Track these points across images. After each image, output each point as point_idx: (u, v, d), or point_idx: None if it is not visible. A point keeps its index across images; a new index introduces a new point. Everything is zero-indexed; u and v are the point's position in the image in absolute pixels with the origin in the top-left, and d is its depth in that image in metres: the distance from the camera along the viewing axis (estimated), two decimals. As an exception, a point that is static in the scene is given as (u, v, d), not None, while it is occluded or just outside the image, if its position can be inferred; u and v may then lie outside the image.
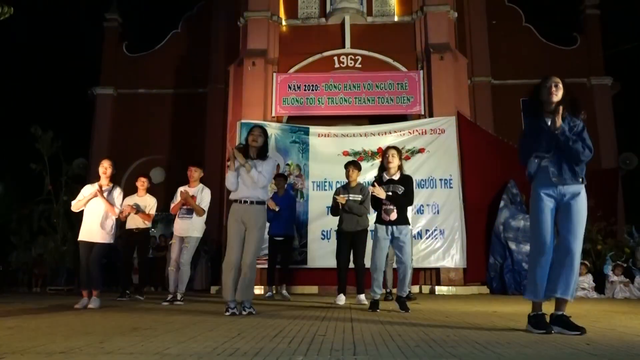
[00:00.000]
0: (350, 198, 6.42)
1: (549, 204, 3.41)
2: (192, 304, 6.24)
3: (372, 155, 9.94)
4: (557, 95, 3.52)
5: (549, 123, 3.42)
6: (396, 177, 5.22)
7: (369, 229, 6.48)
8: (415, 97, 10.61)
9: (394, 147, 5.37)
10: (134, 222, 7.58)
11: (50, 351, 2.42)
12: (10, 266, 13.21)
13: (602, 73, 13.97)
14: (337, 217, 6.65)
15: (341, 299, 6.21)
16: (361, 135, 10.27)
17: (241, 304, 4.56)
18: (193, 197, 6.46)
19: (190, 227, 6.42)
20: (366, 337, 2.98)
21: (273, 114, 10.77)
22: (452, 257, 9.55)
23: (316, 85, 10.79)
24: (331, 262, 8.27)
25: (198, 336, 2.98)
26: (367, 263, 6.55)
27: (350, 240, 6.44)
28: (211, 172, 12.74)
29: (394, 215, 5.07)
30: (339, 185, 7.51)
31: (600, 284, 8.84)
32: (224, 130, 11.72)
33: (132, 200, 7.50)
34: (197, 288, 11.05)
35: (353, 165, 6.72)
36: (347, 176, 6.62)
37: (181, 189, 6.60)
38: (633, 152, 14.22)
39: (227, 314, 4.47)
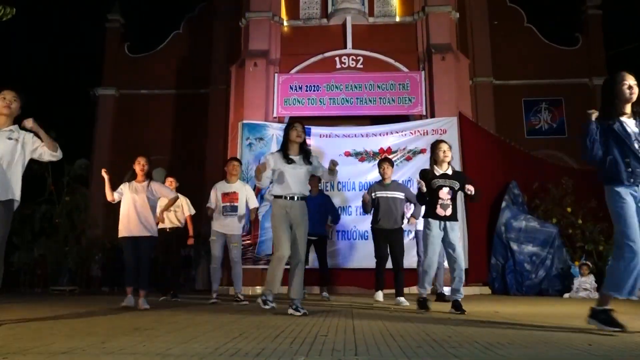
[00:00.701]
0: (390, 196, 6.38)
1: (632, 202, 3.27)
2: (193, 304, 6.24)
3: (374, 155, 9.94)
4: (636, 94, 3.34)
5: (631, 125, 3.30)
6: (449, 172, 5.12)
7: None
8: (416, 97, 10.61)
9: (444, 141, 5.24)
10: (168, 221, 7.48)
11: (52, 351, 2.42)
12: (12, 267, 13.21)
13: (603, 73, 13.90)
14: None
15: (379, 296, 6.26)
16: (363, 136, 10.27)
17: (293, 301, 4.55)
18: (235, 193, 6.41)
19: (235, 225, 6.41)
20: (368, 337, 2.98)
21: (274, 115, 10.78)
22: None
23: (318, 85, 10.79)
24: (331, 262, 8.29)
25: (200, 336, 2.98)
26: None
27: (387, 238, 6.39)
28: (212, 172, 12.77)
29: (449, 211, 4.98)
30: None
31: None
32: (225, 131, 11.73)
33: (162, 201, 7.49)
34: (198, 288, 11.06)
35: (387, 162, 6.65)
36: (382, 174, 6.54)
37: (219, 185, 6.57)
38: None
39: (267, 307, 4.52)
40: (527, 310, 5.15)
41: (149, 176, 5.83)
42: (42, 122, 4.14)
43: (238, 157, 10.27)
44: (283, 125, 10.52)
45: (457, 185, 5.05)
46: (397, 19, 11.47)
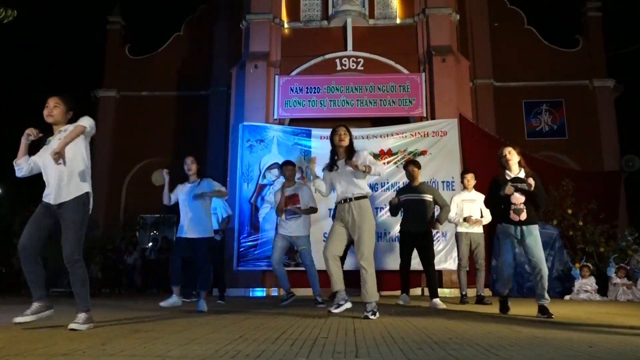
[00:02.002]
0: (418, 198, 6.28)
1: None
2: (193, 305, 6.23)
3: (375, 157, 9.93)
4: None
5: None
6: (521, 174, 5.00)
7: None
8: (417, 99, 10.61)
9: (509, 144, 5.17)
10: None
11: (52, 353, 2.42)
12: (13, 268, 13.21)
13: (604, 75, 13.95)
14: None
15: (405, 299, 6.25)
16: (363, 138, 10.25)
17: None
18: (295, 196, 6.29)
19: (298, 227, 6.29)
20: (368, 339, 2.98)
21: (275, 117, 10.79)
22: (454, 260, 9.51)
23: (318, 87, 10.80)
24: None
25: (200, 338, 2.98)
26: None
27: (414, 241, 6.31)
28: (213, 173, 12.77)
29: (524, 215, 4.85)
30: (403, 186, 7.35)
31: (603, 287, 8.82)
32: (226, 133, 11.74)
33: None
34: (198, 289, 11.03)
35: (413, 164, 6.54)
36: (410, 176, 6.46)
37: (277, 192, 6.50)
38: (636, 154, 14.18)
39: (341, 309, 4.60)
40: (528, 312, 5.14)
41: (200, 175, 5.88)
42: (42, 123, 4.13)
43: (238, 159, 10.29)
44: (284, 127, 10.58)
45: (527, 188, 4.86)
46: (398, 21, 11.48)
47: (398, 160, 10.02)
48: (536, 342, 2.86)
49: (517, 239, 4.90)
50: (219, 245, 7.58)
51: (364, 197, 4.63)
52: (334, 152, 4.82)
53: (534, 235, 4.84)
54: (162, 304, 5.42)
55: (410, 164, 6.58)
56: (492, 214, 5.86)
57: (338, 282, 4.64)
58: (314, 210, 6.34)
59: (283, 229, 6.29)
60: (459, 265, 7.11)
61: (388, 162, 9.88)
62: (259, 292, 9.81)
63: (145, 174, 11.82)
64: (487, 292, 9.45)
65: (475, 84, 13.64)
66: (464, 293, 7.01)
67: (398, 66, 10.99)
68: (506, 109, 13.75)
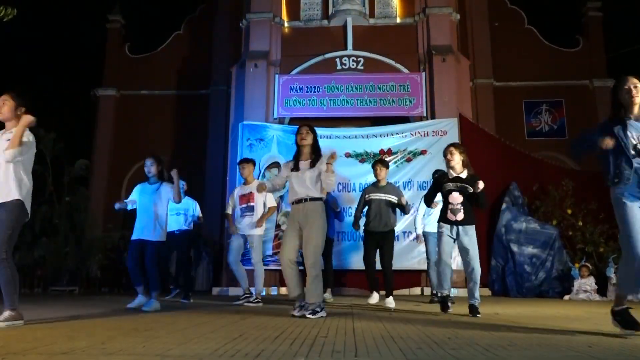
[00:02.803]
0: (384, 198, 6.31)
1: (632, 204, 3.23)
2: (193, 305, 6.23)
3: (374, 156, 9.94)
4: (637, 96, 3.33)
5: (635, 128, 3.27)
6: (463, 175, 5.07)
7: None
8: (417, 99, 10.61)
9: (453, 144, 5.24)
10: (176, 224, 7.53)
11: (52, 352, 2.42)
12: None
13: (604, 75, 13.94)
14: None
15: (374, 298, 6.21)
16: (363, 137, 10.27)
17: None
18: (251, 193, 6.40)
19: (252, 225, 6.38)
20: (368, 338, 2.98)
21: (275, 116, 10.79)
22: (453, 259, 9.51)
23: (318, 87, 10.80)
24: (333, 264, 8.23)
25: (199, 337, 2.98)
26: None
27: (377, 240, 6.33)
28: (213, 173, 12.78)
29: (460, 215, 4.91)
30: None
31: (603, 287, 8.83)
32: (226, 132, 11.74)
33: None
34: (198, 289, 11.05)
35: (381, 163, 6.57)
36: (376, 175, 6.48)
37: (237, 190, 6.61)
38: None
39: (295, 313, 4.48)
40: (527, 312, 5.15)
41: (160, 177, 5.88)
42: (43, 123, 4.11)
43: (238, 158, 10.29)
44: (283, 126, 10.58)
45: (469, 189, 4.97)
46: (398, 20, 11.48)
47: (398, 160, 10.02)
48: (535, 343, 2.86)
49: (453, 239, 4.97)
50: (185, 244, 7.58)
51: (319, 199, 4.68)
52: (297, 153, 4.79)
53: (470, 236, 4.92)
54: (128, 305, 5.41)
55: (378, 163, 6.58)
56: (426, 205, 5.80)
57: (294, 289, 4.56)
58: (272, 209, 6.50)
59: (237, 228, 6.45)
60: (429, 264, 7.12)
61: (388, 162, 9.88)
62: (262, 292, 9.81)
63: (144, 173, 11.80)
64: (486, 292, 9.50)
65: (475, 83, 13.64)
66: (435, 292, 6.98)
67: (398, 65, 10.99)
68: (506, 108, 13.75)
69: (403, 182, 9.81)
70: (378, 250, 6.34)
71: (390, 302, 6.06)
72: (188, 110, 14.29)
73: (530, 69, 13.93)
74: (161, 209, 5.66)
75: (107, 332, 3.30)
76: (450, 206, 4.97)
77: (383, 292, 6.23)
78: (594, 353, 2.49)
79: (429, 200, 5.36)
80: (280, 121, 10.79)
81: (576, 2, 15.17)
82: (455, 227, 4.94)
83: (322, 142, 10.63)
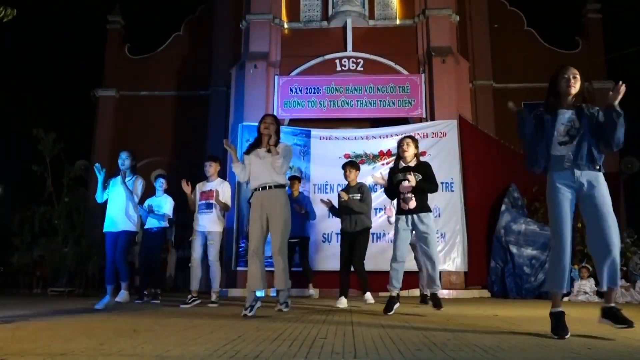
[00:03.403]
0: (355, 198, 6.42)
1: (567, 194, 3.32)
2: (197, 305, 6.22)
3: (374, 158, 9.94)
4: (576, 87, 3.43)
5: (564, 117, 3.39)
6: (412, 164, 5.10)
7: (370, 229, 6.54)
8: (416, 100, 10.62)
9: (409, 136, 5.24)
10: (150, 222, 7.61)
11: (50, 353, 2.41)
12: (12, 267, 13.21)
13: (604, 77, 13.95)
14: (339, 220, 6.65)
15: (342, 302, 6.08)
16: (362, 138, 10.27)
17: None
18: (211, 191, 6.43)
19: (212, 222, 6.38)
20: (367, 340, 2.98)
21: (274, 117, 10.78)
22: (453, 261, 9.55)
23: (318, 88, 10.81)
24: (331, 265, 8.24)
25: (198, 338, 2.98)
26: (369, 264, 6.56)
27: (349, 241, 6.38)
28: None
29: (412, 204, 4.89)
30: (340, 188, 7.51)
31: (602, 289, 8.82)
32: (225, 133, 11.74)
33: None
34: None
35: (350, 165, 6.70)
36: (345, 177, 6.62)
37: (199, 185, 6.62)
38: (635, 156, 14.21)
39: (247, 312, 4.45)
40: (527, 314, 5.14)
41: (133, 171, 6.10)
42: (43, 123, 4.12)
43: (237, 159, 10.29)
44: (283, 128, 10.53)
45: (417, 177, 4.96)
46: (398, 21, 11.48)
47: (397, 161, 10.03)
48: (535, 344, 2.86)
49: (410, 230, 4.94)
50: (155, 242, 7.70)
51: (282, 186, 4.74)
52: (258, 140, 4.86)
53: (426, 224, 4.89)
54: (97, 306, 5.42)
55: (347, 165, 6.67)
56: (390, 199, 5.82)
57: (257, 282, 4.57)
58: (227, 207, 6.49)
59: (198, 226, 6.41)
60: (419, 266, 7.16)
61: (387, 163, 9.87)
62: (258, 293, 9.77)
63: (144, 173, 11.77)
64: (485, 294, 9.50)
65: (475, 85, 13.65)
66: (425, 292, 6.99)
67: (398, 67, 11.00)
68: (506, 110, 13.58)
69: (357, 183, 9.81)
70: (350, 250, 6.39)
71: (369, 297, 6.27)
72: (188, 111, 14.30)
73: (529, 70, 13.93)
74: (133, 202, 5.86)
75: (106, 332, 3.29)
76: (401, 195, 4.96)
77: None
78: (593, 355, 2.49)
79: (389, 193, 5.29)
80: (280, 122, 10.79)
81: (576, 4, 15.21)
82: (409, 216, 4.92)
83: (321, 144, 10.72)
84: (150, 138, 14.03)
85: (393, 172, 5.14)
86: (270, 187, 4.67)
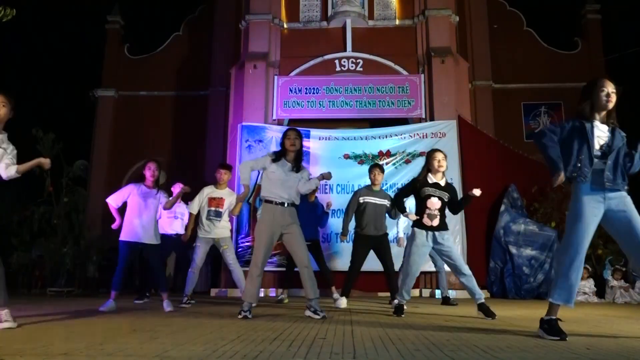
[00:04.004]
0: (379, 203, 6.39)
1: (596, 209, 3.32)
2: (192, 306, 6.22)
3: (373, 158, 9.94)
4: (613, 102, 3.47)
5: (602, 130, 3.41)
6: (442, 182, 5.04)
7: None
8: (416, 100, 10.62)
9: (440, 151, 5.16)
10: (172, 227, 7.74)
11: (50, 353, 2.41)
12: (11, 268, 13.20)
13: (603, 77, 13.95)
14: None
15: (343, 302, 6.08)
16: (362, 139, 10.27)
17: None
18: (222, 199, 6.42)
19: (222, 229, 6.38)
20: (366, 340, 2.98)
21: (274, 117, 10.79)
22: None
23: (317, 88, 10.80)
24: (330, 266, 8.20)
25: (198, 338, 2.98)
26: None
27: (371, 245, 6.34)
28: (211, 174, 12.76)
29: (436, 221, 4.89)
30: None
31: (601, 289, 8.84)
32: (225, 133, 11.73)
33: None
34: (196, 290, 11.03)
35: (378, 168, 6.57)
36: (373, 180, 6.49)
37: (207, 190, 6.52)
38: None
39: (240, 317, 4.42)
40: (526, 314, 5.15)
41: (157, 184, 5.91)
42: (42, 123, 4.13)
43: (237, 159, 10.29)
44: (283, 128, 10.56)
45: (446, 197, 4.98)
46: (397, 22, 11.48)
47: (397, 162, 10.03)
48: (534, 344, 2.86)
49: (430, 246, 4.93)
50: (183, 247, 7.76)
51: (297, 206, 4.82)
52: (282, 153, 4.82)
53: (446, 239, 4.92)
54: (101, 308, 5.34)
55: (375, 167, 6.58)
56: (397, 208, 5.70)
57: (256, 296, 4.57)
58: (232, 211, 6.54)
59: (205, 233, 6.33)
60: (438, 267, 7.12)
61: (387, 164, 9.87)
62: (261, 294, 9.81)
63: (143, 174, 11.76)
64: (484, 294, 9.50)
65: (474, 85, 13.66)
66: (447, 295, 6.99)
67: (397, 67, 11.00)
68: (505, 110, 13.76)
69: (402, 184, 9.80)
70: (376, 254, 6.37)
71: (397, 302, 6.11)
72: (187, 111, 14.29)
73: (529, 71, 13.96)
74: (157, 213, 5.86)
75: (106, 333, 3.29)
76: (427, 211, 4.93)
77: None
78: (592, 355, 2.49)
79: (400, 202, 5.19)
80: (279, 122, 10.79)
81: (575, 5, 15.22)
82: (431, 232, 4.91)
83: (320, 144, 10.71)
84: (150, 138, 14.02)
85: (419, 183, 5.03)
86: (287, 205, 4.66)
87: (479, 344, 2.83)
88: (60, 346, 2.63)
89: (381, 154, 10.06)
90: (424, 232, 4.91)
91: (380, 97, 10.65)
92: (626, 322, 4.52)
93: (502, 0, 14.78)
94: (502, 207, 9.66)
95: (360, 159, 10.01)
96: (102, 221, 12.97)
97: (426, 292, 9.57)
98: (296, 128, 5.02)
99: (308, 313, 4.63)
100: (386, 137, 10.22)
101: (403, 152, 10.09)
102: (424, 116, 10.51)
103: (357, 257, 6.35)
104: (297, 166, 4.80)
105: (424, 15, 11.13)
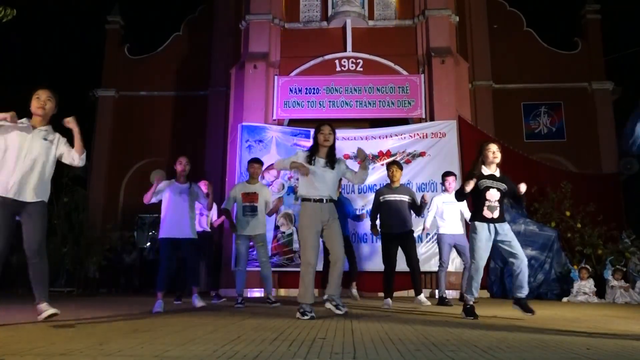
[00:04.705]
0: (399, 199, 6.34)
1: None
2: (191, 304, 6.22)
3: (373, 158, 9.94)
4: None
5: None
6: (497, 173, 5.00)
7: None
8: (416, 100, 10.62)
9: (494, 141, 5.09)
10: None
11: (49, 353, 2.41)
12: (11, 267, 13.20)
13: (603, 78, 13.97)
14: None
15: (388, 303, 6.06)
16: (362, 139, 10.27)
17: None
18: (255, 194, 6.34)
19: (258, 225, 6.33)
20: (366, 340, 2.98)
21: (274, 117, 10.79)
22: (452, 261, 9.49)
23: (317, 88, 10.81)
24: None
25: (198, 338, 2.98)
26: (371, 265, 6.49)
27: (398, 242, 6.32)
28: (212, 173, 12.76)
29: (497, 213, 4.80)
30: (381, 186, 7.29)
31: (601, 289, 8.84)
32: (225, 133, 11.73)
33: None
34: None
35: (396, 165, 6.54)
36: (391, 176, 6.46)
37: (239, 186, 6.51)
38: (634, 157, 14.23)
39: (306, 317, 4.31)
40: (526, 314, 5.13)
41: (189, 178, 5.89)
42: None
43: (237, 159, 10.30)
44: (283, 128, 10.58)
45: (503, 188, 4.90)
46: (397, 22, 11.49)
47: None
48: (534, 345, 2.86)
49: (491, 238, 4.83)
50: (207, 245, 7.84)
51: (335, 201, 4.79)
52: (315, 149, 4.75)
53: (507, 231, 4.82)
54: (155, 310, 5.27)
55: (393, 164, 6.56)
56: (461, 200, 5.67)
57: (312, 296, 4.48)
58: (273, 211, 6.52)
59: (242, 229, 6.29)
60: (440, 266, 7.09)
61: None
62: (258, 293, 9.81)
63: (143, 173, 11.80)
64: (484, 294, 9.50)
65: (474, 85, 13.66)
66: (444, 295, 6.96)
67: (397, 67, 11.00)
68: (505, 111, 13.77)
69: (402, 184, 9.80)
70: (402, 251, 6.33)
71: (424, 300, 6.19)
72: (187, 111, 14.30)
73: (529, 71, 13.96)
74: (192, 208, 5.79)
75: (105, 333, 3.29)
76: (487, 203, 4.81)
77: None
78: (592, 355, 2.49)
79: (463, 194, 5.04)
80: (280, 122, 10.79)
81: (575, 5, 15.22)
82: (492, 225, 4.80)
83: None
84: (150, 138, 14.03)
85: (475, 176, 4.97)
86: (326, 201, 4.64)
87: (480, 343, 2.83)
88: (60, 346, 2.63)
89: (381, 154, 10.06)
90: (485, 225, 4.80)
91: (381, 97, 10.66)
92: (626, 322, 4.51)
93: (502, 1, 14.79)
94: (502, 207, 9.65)
95: (360, 159, 10.01)
96: (101, 221, 12.98)
97: (426, 292, 9.54)
98: (330, 123, 4.94)
99: (329, 306, 4.61)
100: (386, 137, 10.23)
101: (403, 152, 10.09)
102: (424, 116, 10.51)
103: (389, 256, 6.33)
104: (332, 161, 4.73)
105: (424, 16, 11.13)
